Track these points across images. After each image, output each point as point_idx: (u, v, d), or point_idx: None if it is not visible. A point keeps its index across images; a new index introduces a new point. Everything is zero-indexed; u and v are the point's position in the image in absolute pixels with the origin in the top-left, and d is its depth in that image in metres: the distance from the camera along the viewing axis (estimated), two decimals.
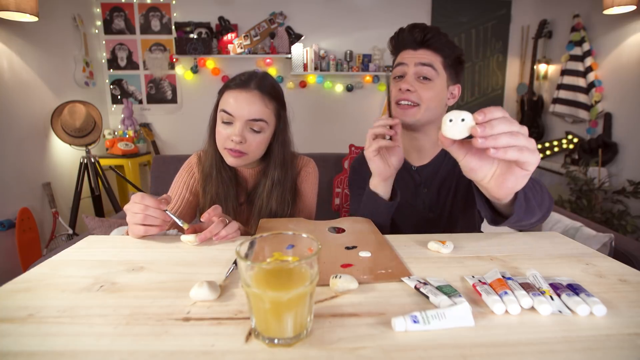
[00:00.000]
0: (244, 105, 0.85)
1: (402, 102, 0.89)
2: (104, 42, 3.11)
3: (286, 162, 0.95)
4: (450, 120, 0.47)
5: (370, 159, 0.80)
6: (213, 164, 0.94)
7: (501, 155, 0.46)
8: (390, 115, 0.86)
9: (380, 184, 0.84)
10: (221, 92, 0.91)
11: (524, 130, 0.48)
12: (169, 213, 0.67)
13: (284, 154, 0.94)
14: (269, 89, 0.88)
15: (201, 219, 0.69)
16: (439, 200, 0.97)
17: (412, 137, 0.97)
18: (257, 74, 0.90)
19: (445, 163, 0.98)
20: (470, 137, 0.48)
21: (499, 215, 0.64)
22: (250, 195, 0.98)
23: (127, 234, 0.72)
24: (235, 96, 0.86)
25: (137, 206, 0.65)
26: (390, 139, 0.79)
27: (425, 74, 0.88)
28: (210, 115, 0.95)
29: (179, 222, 0.68)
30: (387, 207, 0.85)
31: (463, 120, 0.47)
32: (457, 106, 3.43)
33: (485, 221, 0.88)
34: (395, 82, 0.93)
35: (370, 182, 0.86)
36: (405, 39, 0.91)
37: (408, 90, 0.88)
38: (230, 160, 0.89)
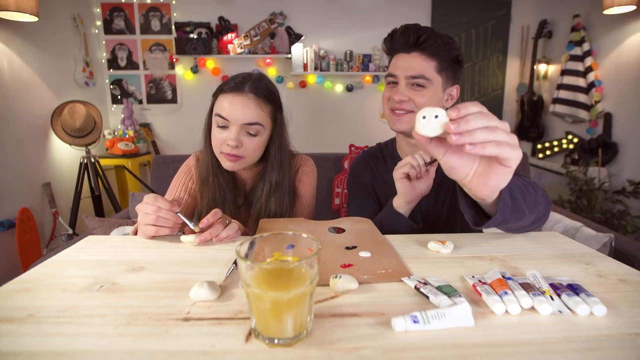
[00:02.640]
0: (239, 109, 0.84)
1: (397, 111, 0.90)
2: (104, 42, 3.11)
3: (284, 164, 0.94)
4: (424, 117, 0.45)
5: (397, 180, 0.80)
6: (209, 168, 0.92)
7: (479, 151, 0.44)
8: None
9: (403, 206, 0.83)
10: (215, 96, 0.89)
11: (504, 125, 0.46)
12: (180, 215, 0.67)
13: (281, 157, 0.93)
14: (264, 92, 0.87)
15: (199, 225, 0.68)
16: (437, 203, 0.97)
17: (409, 142, 0.97)
18: (251, 76, 0.89)
19: None
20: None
21: (485, 217, 0.60)
22: (249, 197, 0.98)
23: (132, 234, 0.72)
24: (229, 100, 0.84)
25: (149, 207, 0.65)
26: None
27: (417, 83, 0.88)
28: (206, 117, 0.93)
29: (190, 225, 0.68)
30: (411, 227, 0.83)
31: (437, 116, 0.44)
32: None
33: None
34: (388, 88, 0.93)
35: (394, 200, 0.84)
36: (398, 41, 0.89)
37: (401, 100, 0.89)
38: (227, 164, 0.88)
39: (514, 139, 0.46)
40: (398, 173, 0.79)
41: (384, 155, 1.05)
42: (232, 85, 0.86)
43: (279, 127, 0.92)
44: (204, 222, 0.67)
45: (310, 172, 1.01)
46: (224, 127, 0.85)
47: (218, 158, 0.90)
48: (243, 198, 0.98)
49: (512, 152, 0.45)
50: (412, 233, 0.78)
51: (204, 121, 0.94)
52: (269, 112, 0.89)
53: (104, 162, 2.69)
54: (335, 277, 0.48)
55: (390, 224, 0.84)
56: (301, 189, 0.99)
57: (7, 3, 1.82)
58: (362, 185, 1.04)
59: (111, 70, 3.16)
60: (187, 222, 0.68)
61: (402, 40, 0.88)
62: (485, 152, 0.44)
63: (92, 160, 2.44)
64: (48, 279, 0.51)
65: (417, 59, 0.87)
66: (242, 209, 0.98)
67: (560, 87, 2.87)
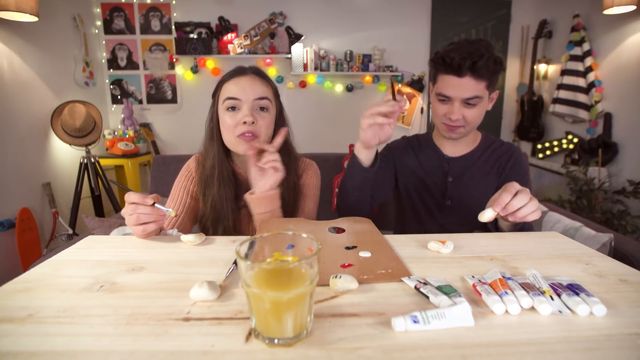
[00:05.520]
0: (247, 87, 0.88)
1: (450, 125, 0.97)
2: (104, 42, 3.11)
3: (287, 144, 0.97)
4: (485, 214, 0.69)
5: (363, 129, 0.83)
6: (215, 163, 0.93)
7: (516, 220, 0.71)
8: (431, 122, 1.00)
9: (362, 151, 0.88)
10: (217, 88, 0.93)
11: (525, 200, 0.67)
12: (157, 205, 0.68)
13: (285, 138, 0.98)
14: (263, 73, 0.94)
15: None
16: (463, 193, 1.03)
17: (449, 140, 1.05)
18: (246, 65, 0.95)
19: (479, 162, 1.05)
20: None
21: None
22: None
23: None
24: (235, 82, 0.89)
25: (128, 208, 0.66)
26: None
27: (471, 103, 0.93)
28: (207, 116, 0.95)
29: (168, 211, 0.69)
30: (361, 171, 0.90)
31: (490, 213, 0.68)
32: None
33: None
34: (440, 103, 0.98)
35: (355, 146, 0.90)
36: (451, 65, 0.90)
37: (457, 118, 0.95)
38: (244, 147, 0.88)
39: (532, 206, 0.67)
40: (365, 123, 0.82)
41: (420, 143, 1.13)
42: (232, 73, 0.92)
43: (279, 108, 0.97)
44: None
45: (315, 176, 1.02)
46: (234, 110, 0.88)
47: (233, 146, 0.91)
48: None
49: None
50: (364, 177, 0.90)
51: (206, 119, 0.95)
52: (272, 89, 0.94)
53: (104, 162, 2.68)
54: (335, 277, 0.48)
55: (349, 167, 0.92)
56: (306, 190, 1.00)
57: (7, 3, 1.82)
58: (388, 155, 1.10)
59: (111, 70, 3.16)
60: (164, 209, 0.68)
61: (457, 65, 0.89)
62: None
63: (92, 160, 2.44)
64: (48, 279, 0.51)
65: (470, 83, 0.90)
66: (245, 209, 0.98)
67: (560, 87, 2.87)
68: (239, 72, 0.91)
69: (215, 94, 0.94)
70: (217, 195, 0.92)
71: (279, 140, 0.85)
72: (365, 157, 0.89)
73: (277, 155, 0.83)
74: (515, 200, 0.66)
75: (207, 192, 0.93)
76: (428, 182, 1.07)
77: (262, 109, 0.90)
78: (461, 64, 0.88)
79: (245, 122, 0.86)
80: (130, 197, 0.67)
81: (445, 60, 0.91)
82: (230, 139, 0.90)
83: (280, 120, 0.96)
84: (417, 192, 1.09)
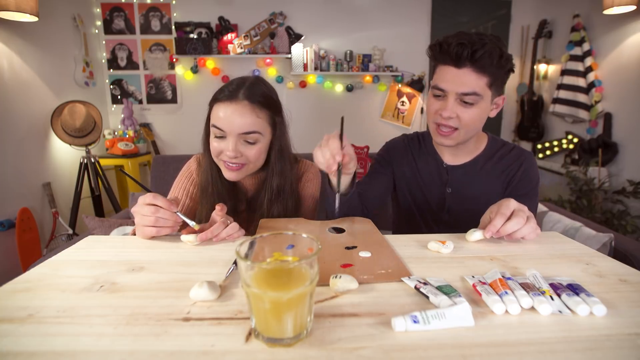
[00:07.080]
0: (234, 119, 0.80)
1: (443, 128, 0.87)
2: (104, 42, 3.11)
3: (285, 170, 0.91)
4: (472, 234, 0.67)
5: (329, 173, 0.79)
6: (209, 177, 0.91)
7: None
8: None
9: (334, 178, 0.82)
10: (211, 105, 0.86)
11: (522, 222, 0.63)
12: (179, 214, 0.67)
13: (282, 162, 0.90)
14: (260, 97, 0.83)
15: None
16: (461, 205, 0.96)
17: (444, 147, 0.96)
18: (246, 81, 0.85)
19: (483, 171, 0.95)
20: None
21: None
22: (251, 203, 0.96)
23: (131, 234, 0.72)
24: (224, 109, 0.81)
25: (147, 208, 0.65)
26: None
27: (467, 100, 0.83)
28: (204, 125, 0.91)
29: (190, 223, 0.68)
30: (335, 197, 0.81)
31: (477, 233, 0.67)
32: None
33: None
34: (434, 99, 0.88)
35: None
36: (449, 53, 0.81)
37: (449, 117, 0.84)
38: (228, 174, 0.86)
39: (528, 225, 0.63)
40: (330, 171, 0.77)
41: (420, 145, 1.04)
42: (226, 93, 0.83)
43: (278, 131, 0.89)
44: (213, 215, 0.68)
45: (314, 179, 1.00)
46: (221, 137, 0.83)
47: (219, 165, 0.88)
48: (245, 204, 0.97)
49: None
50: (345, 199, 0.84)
51: (203, 127, 0.92)
52: (266, 117, 0.85)
53: (104, 162, 2.68)
54: (335, 277, 0.48)
55: (326, 193, 0.87)
56: (304, 195, 0.99)
57: (7, 3, 1.82)
58: (386, 163, 1.02)
59: (111, 70, 3.16)
60: (187, 220, 0.68)
61: (454, 53, 0.80)
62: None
63: (92, 160, 2.44)
64: (48, 279, 0.51)
65: (469, 76, 0.81)
66: (244, 214, 0.97)
67: (560, 87, 2.87)
68: (232, 95, 0.82)
69: (210, 107, 0.87)
70: (211, 209, 0.91)
71: (217, 220, 0.70)
72: (343, 182, 0.82)
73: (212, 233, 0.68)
74: (509, 224, 0.62)
75: (204, 202, 0.93)
76: (425, 192, 0.99)
77: (249, 141, 0.83)
78: (459, 51, 0.79)
79: (227, 155, 0.82)
80: (157, 200, 0.65)
81: (443, 47, 0.82)
82: (217, 160, 0.87)
83: (276, 144, 0.89)
84: (414, 202, 1.01)
